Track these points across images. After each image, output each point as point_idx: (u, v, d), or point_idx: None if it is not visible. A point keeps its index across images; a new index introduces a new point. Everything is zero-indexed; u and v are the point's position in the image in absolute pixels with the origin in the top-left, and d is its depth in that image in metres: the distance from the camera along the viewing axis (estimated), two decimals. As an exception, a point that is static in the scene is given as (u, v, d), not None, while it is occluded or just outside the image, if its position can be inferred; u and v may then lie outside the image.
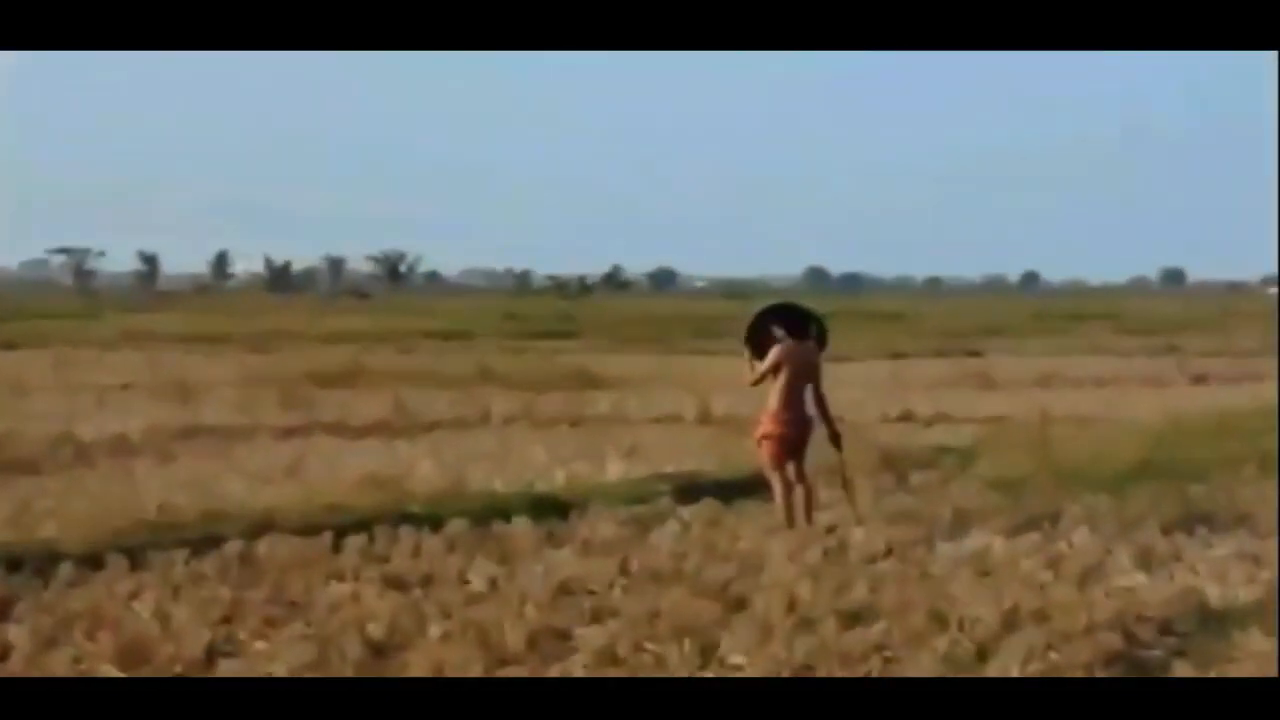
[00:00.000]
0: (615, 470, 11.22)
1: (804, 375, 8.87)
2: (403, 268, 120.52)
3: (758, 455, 8.99)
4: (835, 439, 9.08)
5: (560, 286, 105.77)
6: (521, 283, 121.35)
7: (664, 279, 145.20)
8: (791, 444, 8.79)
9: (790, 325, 8.93)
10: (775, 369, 8.73)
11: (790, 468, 8.81)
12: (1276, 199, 25.71)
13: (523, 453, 12.60)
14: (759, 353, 8.91)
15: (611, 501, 9.54)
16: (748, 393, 9.38)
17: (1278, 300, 31.44)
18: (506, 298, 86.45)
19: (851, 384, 20.54)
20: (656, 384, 20.46)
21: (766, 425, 8.81)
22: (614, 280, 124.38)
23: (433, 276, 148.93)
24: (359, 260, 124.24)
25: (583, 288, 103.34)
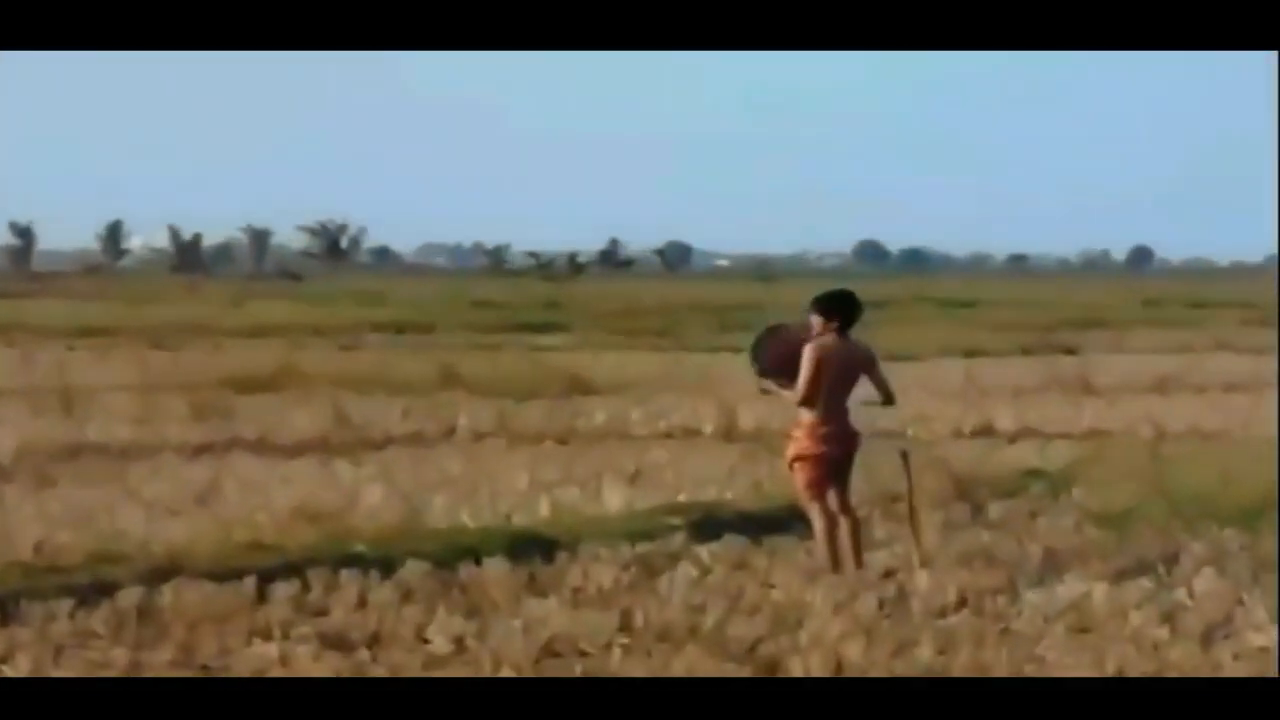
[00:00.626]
0: (615, 499, 11.24)
1: (846, 377, 8.84)
2: (344, 241, 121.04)
3: (792, 481, 9.00)
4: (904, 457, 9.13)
5: (544, 266, 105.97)
6: (495, 261, 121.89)
7: (677, 257, 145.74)
8: (833, 465, 8.79)
9: (825, 313, 8.91)
10: (817, 373, 8.71)
11: (833, 496, 8.81)
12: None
13: (497, 476, 12.61)
14: (785, 372, 8.81)
15: (610, 539, 9.56)
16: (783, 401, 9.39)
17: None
18: (476, 280, 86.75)
19: (916, 389, 20.53)
20: (667, 389, 20.51)
21: (801, 443, 8.80)
22: (612, 258, 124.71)
23: (383, 253, 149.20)
24: (289, 232, 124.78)
25: (573, 267, 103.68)
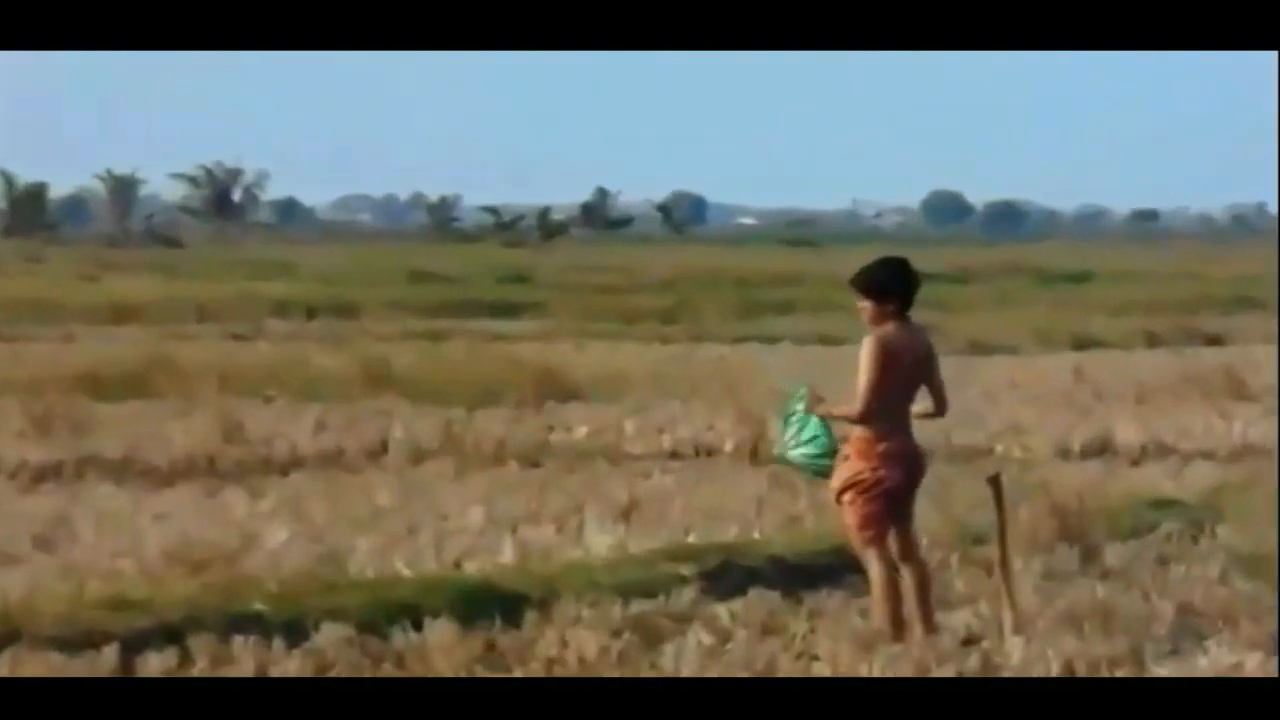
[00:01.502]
0: (602, 541, 11.27)
1: (912, 378, 8.87)
2: (237, 193, 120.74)
3: (840, 517, 9.02)
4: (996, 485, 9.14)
5: (506, 226, 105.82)
6: (440, 220, 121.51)
7: (687, 213, 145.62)
8: (896, 496, 8.80)
9: (877, 292, 8.91)
10: (881, 375, 8.70)
11: (894, 537, 8.83)
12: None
13: (444, 510, 12.66)
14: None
15: (596, 594, 9.57)
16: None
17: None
18: (415, 245, 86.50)
19: (1008, 393, 20.55)
20: (673, 393, 20.57)
21: (854, 466, 8.80)
22: (600, 215, 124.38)
23: (289, 209, 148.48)
24: (163, 182, 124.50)
25: (547, 228, 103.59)
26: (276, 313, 36.36)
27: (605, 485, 13.92)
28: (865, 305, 8.87)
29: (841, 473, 8.86)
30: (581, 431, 17.10)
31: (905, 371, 8.80)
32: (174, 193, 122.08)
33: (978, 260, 62.53)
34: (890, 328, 8.80)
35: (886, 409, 8.75)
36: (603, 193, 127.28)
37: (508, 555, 10.84)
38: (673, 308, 38.58)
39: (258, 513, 12.65)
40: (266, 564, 10.43)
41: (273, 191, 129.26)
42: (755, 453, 15.75)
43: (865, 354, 8.73)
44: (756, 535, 11.56)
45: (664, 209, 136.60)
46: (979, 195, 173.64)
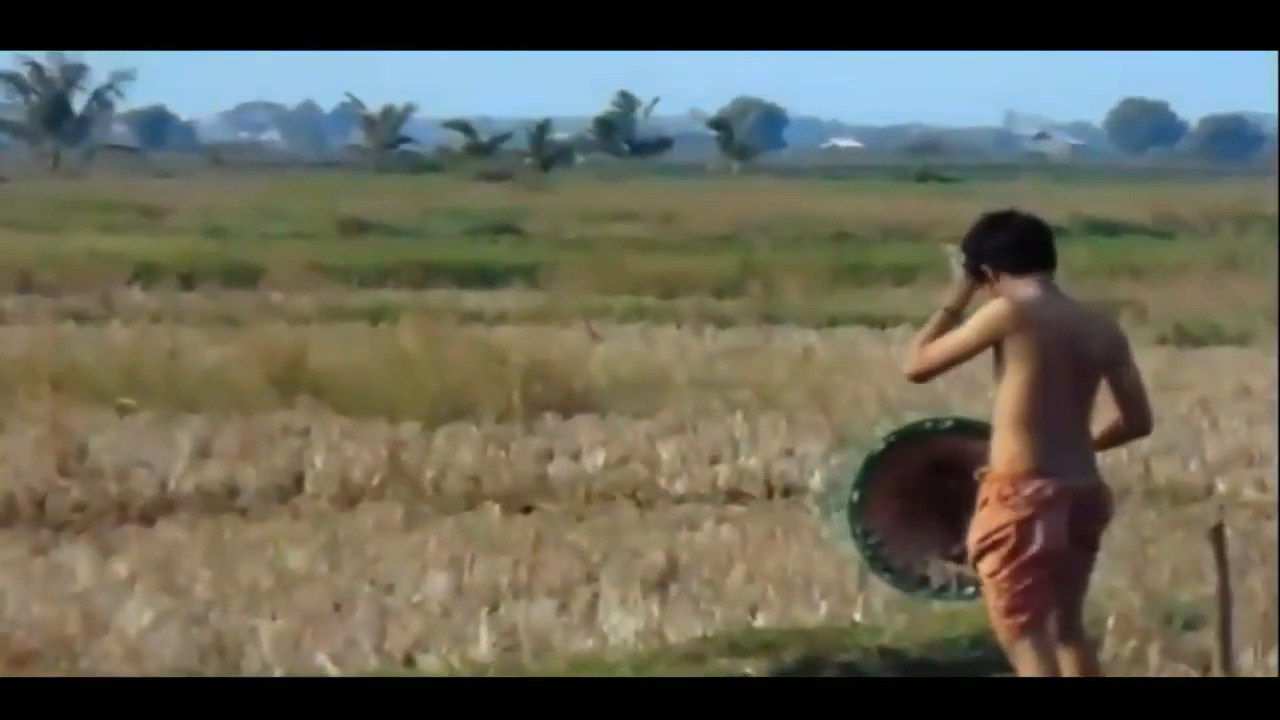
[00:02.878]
0: (626, 623, 11.35)
1: (1082, 374, 8.92)
2: (79, 102, 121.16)
3: (980, 589, 9.03)
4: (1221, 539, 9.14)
5: (482, 150, 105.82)
6: (382, 142, 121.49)
7: (757, 133, 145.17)
8: (1060, 560, 8.81)
9: (1008, 258, 8.95)
10: (1013, 357, 8.69)
11: (1054, 620, 8.84)
12: None
13: (388, 577, 12.77)
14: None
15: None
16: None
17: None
18: (347, 177, 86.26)
19: (1240, 401, 20.49)
20: (731, 402, 20.66)
21: (994, 514, 8.77)
22: (622, 135, 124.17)
23: (156, 124, 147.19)
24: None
25: (544, 154, 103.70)
26: (138, 280, 36.26)
27: (631, 540, 13.99)
28: (1001, 274, 8.93)
29: (977, 528, 8.86)
30: (596, 460, 17.17)
31: (1065, 366, 8.81)
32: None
33: (1191, 203, 62.46)
34: (1032, 294, 8.84)
35: (1039, 422, 8.74)
36: (628, 101, 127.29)
37: (484, 647, 10.90)
38: (734, 274, 38.38)
39: (109, 580, 12.70)
40: (122, 657, 10.48)
41: (134, 99, 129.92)
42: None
43: (982, 316, 8.81)
44: (857, 616, 11.57)
45: (721, 125, 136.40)
46: (1193, 108, 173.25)
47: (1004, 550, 8.77)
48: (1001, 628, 8.89)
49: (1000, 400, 8.75)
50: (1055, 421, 8.80)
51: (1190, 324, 28.37)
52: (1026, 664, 8.84)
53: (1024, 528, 8.75)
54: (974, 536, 8.86)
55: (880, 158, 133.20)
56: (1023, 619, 8.80)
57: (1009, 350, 8.74)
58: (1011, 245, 8.93)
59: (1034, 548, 8.76)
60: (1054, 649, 8.83)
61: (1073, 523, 8.82)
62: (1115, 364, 8.93)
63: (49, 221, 51.46)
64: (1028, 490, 8.73)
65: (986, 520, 8.81)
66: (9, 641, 10.53)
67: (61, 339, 25.41)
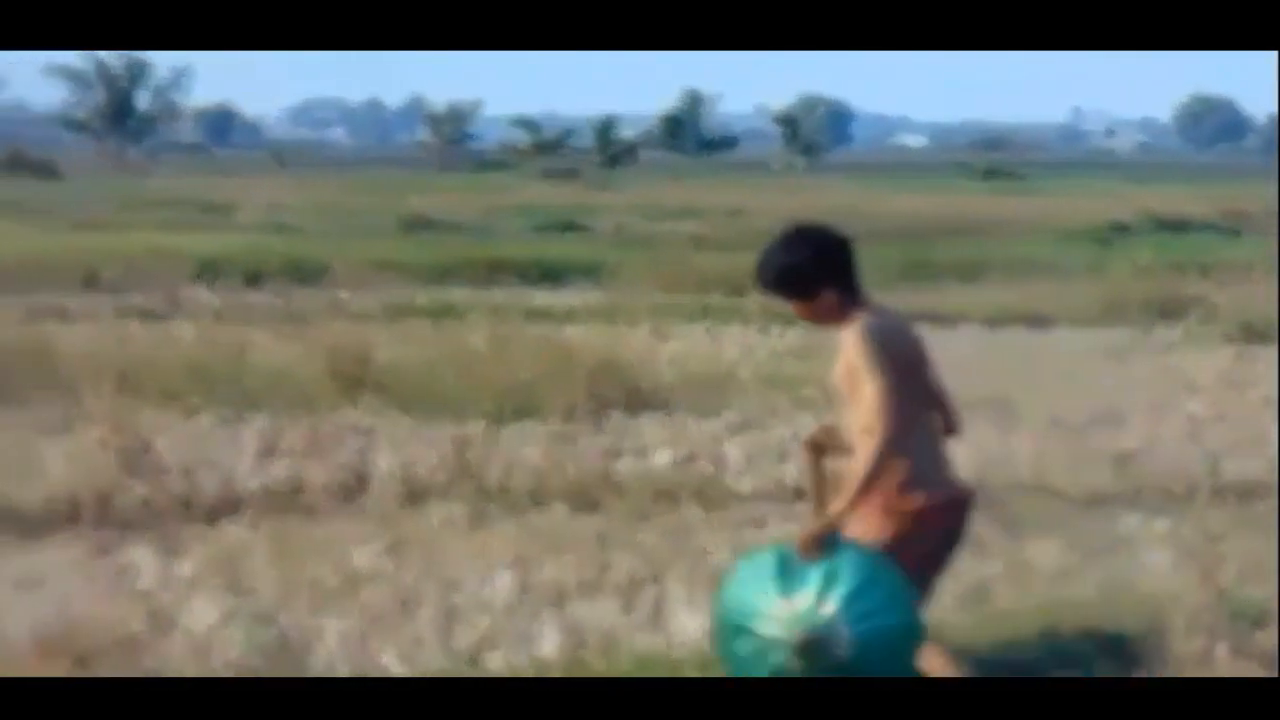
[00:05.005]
0: (693, 625, 11.36)
1: (919, 383, 8.95)
2: (144, 99, 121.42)
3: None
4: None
5: (548, 148, 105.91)
6: (448, 139, 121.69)
7: (824, 130, 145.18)
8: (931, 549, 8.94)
9: (828, 274, 9.02)
10: (890, 378, 8.65)
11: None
12: None
13: (454, 576, 12.81)
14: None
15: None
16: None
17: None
18: (411, 177, 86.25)
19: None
20: (799, 401, 20.78)
21: (877, 525, 8.81)
22: (689, 132, 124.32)
23: (222, 123, 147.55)
24: (29, 80, 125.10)
25: (610, 151, 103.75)
26: (202, 278, 36.35)
27: (697, 539, 14.03)
28: (826, 295, 9.07)
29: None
30: (662, 458, 17.25)
31: (912, 372, 8.83)
32: (48, 98, 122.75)
33: (1258, 200, 62.20)
34: (866, 319, 8.88)
35: (907, 433, 8.69)
36: (694, 98, 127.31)
37: (550, 646, 10.95)
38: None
39: (174, 579, 12.77)
40: (187, 656, 10.52)
41: (199, 96, 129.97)
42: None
43: (861, 347, 8.78)
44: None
45: (788, 122, 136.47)
46: (1260, 105, 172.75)
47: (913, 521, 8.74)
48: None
49: (860, 415, 8.71)
50: (919, 429, 8.79)
51: (1257, 321, 28.28)
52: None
53: (917, 516, 8.74)
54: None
55: (947, 154, 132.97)
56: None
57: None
58: (845, 263, 9.16)
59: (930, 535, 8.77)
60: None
61: (944, 514, 8.83)
62: (929, 371, 9.04)
63: (114, 220, 51.69)
64: (912, 505, 8.73)
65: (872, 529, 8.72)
66: (74, 640, 10.58)
67: (126, 337, 25.54)
